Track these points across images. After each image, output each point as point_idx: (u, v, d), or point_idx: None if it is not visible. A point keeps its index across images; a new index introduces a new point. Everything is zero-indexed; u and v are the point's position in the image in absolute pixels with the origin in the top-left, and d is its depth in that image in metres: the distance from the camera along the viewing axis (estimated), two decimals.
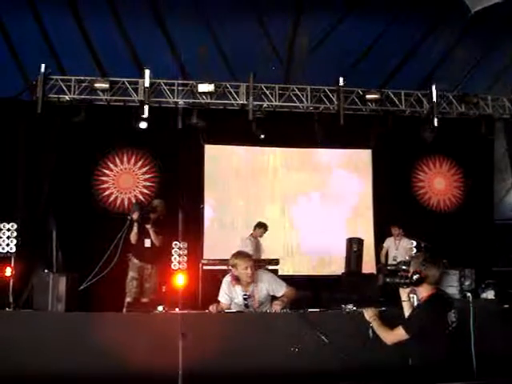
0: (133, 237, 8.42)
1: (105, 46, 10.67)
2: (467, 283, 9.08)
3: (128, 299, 8.47)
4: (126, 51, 10.76)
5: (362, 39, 11.13)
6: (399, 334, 4.62)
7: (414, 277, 4.59)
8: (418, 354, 4.57)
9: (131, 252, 8.56)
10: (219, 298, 6.22)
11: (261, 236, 10.72)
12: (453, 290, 9.15)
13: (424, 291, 4.62)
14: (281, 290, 6.14)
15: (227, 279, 6.24)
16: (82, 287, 7.97)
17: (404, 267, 4.80)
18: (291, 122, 11.53)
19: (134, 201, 11.04)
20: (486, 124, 11.91)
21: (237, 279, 6.11)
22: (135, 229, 8.40)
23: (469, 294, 6.18)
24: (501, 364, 5.22)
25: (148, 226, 8.48)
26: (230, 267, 6.16)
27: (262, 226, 10.70)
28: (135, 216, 8.36)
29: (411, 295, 4.89)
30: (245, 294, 6.06)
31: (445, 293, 4.98)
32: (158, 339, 5.42)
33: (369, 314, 5.05)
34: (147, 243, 8.57)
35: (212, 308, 6.00)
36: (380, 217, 12.28)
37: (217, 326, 5.63)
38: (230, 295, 6.19)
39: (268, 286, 6.15)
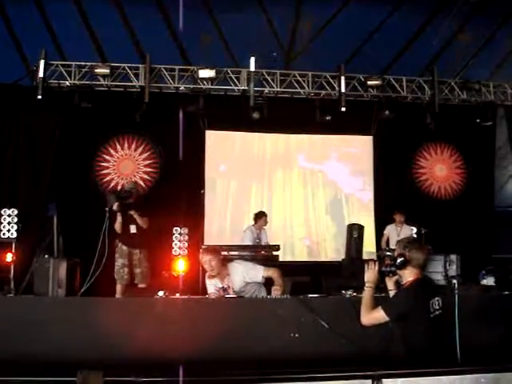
0: (117, 226, 8.51)
1: (105, 31, 10.60)
2: (452, 269, 9.09)
3: (119, 286, 8.55)
4: (126, 36, 10.70)
5: (364, 25, 11.06)
6: (379, 315, 4.50)
7: (398, 260, 4.52)
8: (402, 338, 4.50)
9: (118, 239, 8.61)
10: (210, 292, 6.34)
11: (265, 225, 10.60)
12: (437, 275, 9.17)
13: (408, 275, 4.54)
14: (259, 274, 6.21)
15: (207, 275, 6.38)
16: (82, 290, 8.01)
17: (389, 253, 4.74)
18: (292, 107, 11.49)
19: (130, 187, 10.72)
20: (488, 111, 11.87)
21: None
22: (119, 218, 8.46)
23: (454, 281, 6.15)
24: (494, 352, 5.23)
25: (132, 212, 8.52)
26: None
27: (261, 216, 10.57)
28: (115, 206, 8.41)
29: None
30: (222, 287, 6.16)
31: (430, 279, 4.94)
32: (159, 324, 5.44)
33: (370, 276, 4.72)
34: (133, 229, 8.65)
35: None
36: (381, 203, 12.29)
37: (217, 312, 5.65)
38: (214, 285, 6.30)
39: (243, 277, 6.21)
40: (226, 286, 6.15)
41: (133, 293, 8.14)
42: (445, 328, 4.67)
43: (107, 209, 8.37)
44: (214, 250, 6.44)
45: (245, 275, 6.20)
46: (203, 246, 10.21)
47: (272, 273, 6.19)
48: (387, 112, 11.44)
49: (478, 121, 11.80)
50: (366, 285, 4.73)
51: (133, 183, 9.67)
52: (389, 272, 4.66)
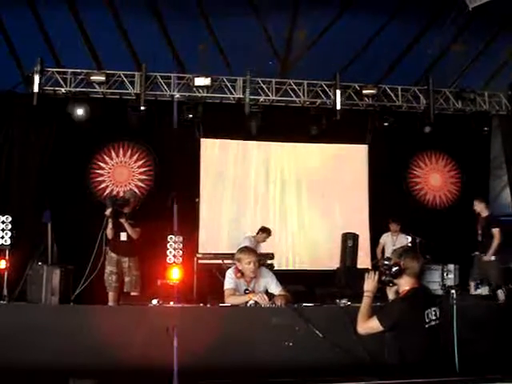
0: (109, 232, 8.52)
1: (101, 38, 10.61)
2: (450, 278, 9.07)
3: (110, 293, 8.52)
4: (122, 44, 10.71)
5: (359, 34, 11.10)
6: (373, 324, 4.47)
7: (393, 269, 4.49)
8: (397, 348, 4.47)
9: (108, 246, 8.61)
10: (228, 286, 6.11)
11: (264, 241, 10.44)
12: (435, 285, 9.13)
13: (404, 284, 4.50)
14: (276, 289, 6.14)
15: (231, 271, 6.22)
16: (76, 292, 7.98)
17: (387, 262, 4.71)
18: (287, 116, 11.50)
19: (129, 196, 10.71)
20: (483, 120, 11.90)
21: (241, 273, 6.12)
22: (110, 224, 8.48)
23: (453, 291, 6.13)
24: (492, 361, 5.21)
25: (122, 220, 8.52)
26: (235, 261, 6.17)
27: (264, 231, 10.44)
28: (107, 212, 8.47)
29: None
30: (246, 289, 6.07)
31: (427, 289, 4.92)
32: (153, 332, 5.40)
33: (369, 285, 4.68)
34: (123, 236, 8.65)
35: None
36: (375, 212, 12.25)
37: (211, 320, 5.62)
38: (237, 284, 6.15)
39: (266, 283, 6.17)
40: (250, 289, 6.09)
41: (126, 301, 8.10)
42: (443, 338, 4.65)
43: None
44: (254, 251, 6.40)
45: (269, 283, 6.18)
46: (199, 253, 10.21)
47: (284, 296, 6.06)
48: (386, 123, 11.47)
49: (473, 130, 11.84)
50: (365, 293, 4.69)
51: (133, 193, 9.66)
52: (388, 281, 4.63)
